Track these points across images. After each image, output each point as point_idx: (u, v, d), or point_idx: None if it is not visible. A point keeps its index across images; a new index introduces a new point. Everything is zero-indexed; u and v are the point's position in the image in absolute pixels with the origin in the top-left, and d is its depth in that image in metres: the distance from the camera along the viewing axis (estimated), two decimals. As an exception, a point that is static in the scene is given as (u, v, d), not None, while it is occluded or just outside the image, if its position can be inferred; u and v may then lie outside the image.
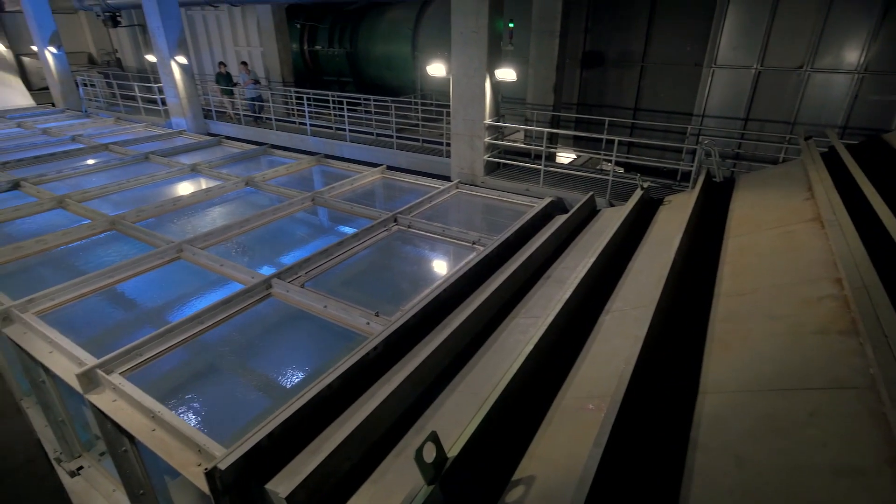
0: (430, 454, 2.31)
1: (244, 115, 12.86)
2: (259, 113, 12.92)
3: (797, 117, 9.04)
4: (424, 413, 3.19)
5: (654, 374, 2.85)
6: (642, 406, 2.59)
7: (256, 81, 12.91)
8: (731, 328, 2.98)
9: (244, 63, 13.17)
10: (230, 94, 12.95)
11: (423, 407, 3.24)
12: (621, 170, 8.95)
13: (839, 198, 3.80)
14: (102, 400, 3.48)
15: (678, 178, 7.46)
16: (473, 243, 5.88)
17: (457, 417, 3.04)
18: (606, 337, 3.54)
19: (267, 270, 5.21)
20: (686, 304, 3.57)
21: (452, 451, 2.41)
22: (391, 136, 10.13)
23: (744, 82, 9.33)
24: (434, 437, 2.32)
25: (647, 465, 2.28)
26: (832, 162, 4.87)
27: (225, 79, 13.01)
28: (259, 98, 12.76)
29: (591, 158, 11.87)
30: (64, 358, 3.88)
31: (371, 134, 11.01)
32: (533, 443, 2.71)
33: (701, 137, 8.65)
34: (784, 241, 3.68)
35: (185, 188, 8.32)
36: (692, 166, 6.79)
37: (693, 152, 7.75)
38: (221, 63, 13.27)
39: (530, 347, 3.24)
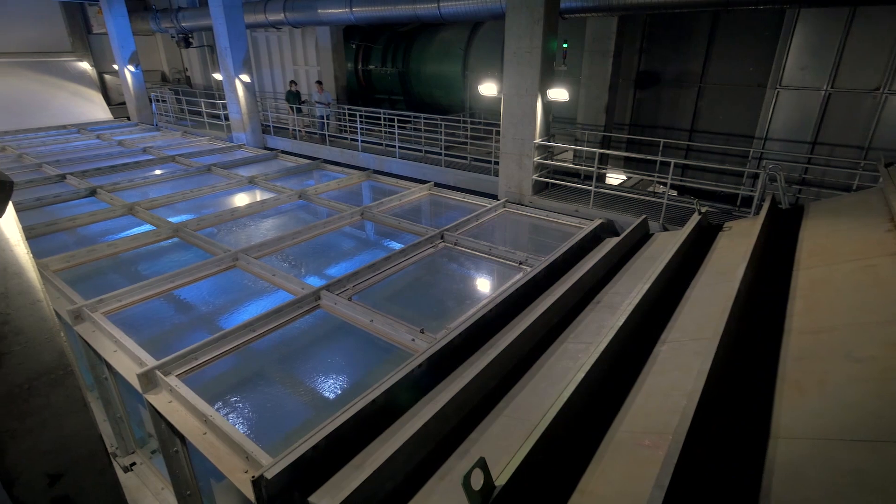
0: (477, 481, 2.23)
1: (307, 132, 13.28)
2: (321, 131, 13.31)
3: (872, 142, 8.45)
4: (469, 436, 3.12)
5: (718, 412, 2.67)
6: (705, 446, 2.41)
7: (327, 104, 13.23)
8: (805, 368, 2.75)
9: (319, 82, 13.55)
10: (298, 111, 13.47)
11: (468, 430, 3.17)
12: (675, 193, 8.62)
13: (929, 230, 3.48)
14: (159, 400, 3.62)
15: (738, 203, 7.08)
16: (520, 263, 5.79)
17: (503, 443, 2.94)
18: (663, 369, 3.36)
19: (316, 282, 5.32)
20: (751, 338, 3.34)
21: (500, 479, 2.33)
22: (439, 154, 10.24)
23: (812, 104, 8.84)
24: (482, 464, 2.25)
25: (712, 512, 2.11)
26: (918, 191, 4.48)
27: (294, 97, 13.50)
28: (327, 117, 13.14)
29: (642, 180, 11.53)
30: (127, 357, 4.08)
31: (420, 151, 11.18)
32: (584, 477, 2.57)
33: (764, 161, 8.22)
34: (864, 275, 3.40)
35: (242, 199, 8.71)
36: (753, 191, 6.44)
37: (755, 176, 7.36)
38: (292, 82, 13.75)
39: (581, 375, 3.12)
